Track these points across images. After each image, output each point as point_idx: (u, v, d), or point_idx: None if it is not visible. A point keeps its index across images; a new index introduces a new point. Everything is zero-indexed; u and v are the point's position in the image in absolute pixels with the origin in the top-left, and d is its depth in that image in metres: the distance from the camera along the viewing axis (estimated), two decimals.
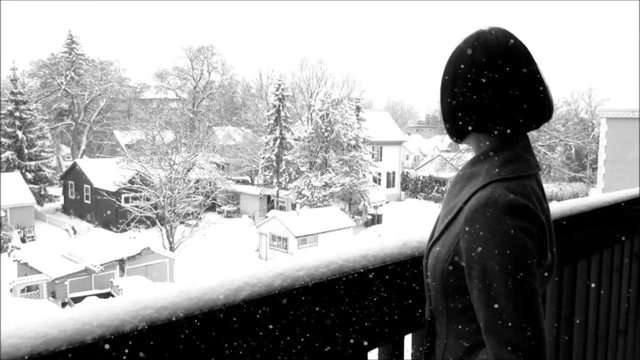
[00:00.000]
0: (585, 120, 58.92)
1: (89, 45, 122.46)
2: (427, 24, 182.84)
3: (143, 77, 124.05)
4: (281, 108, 38.04)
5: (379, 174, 42.86)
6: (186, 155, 31.69)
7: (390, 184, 45.41)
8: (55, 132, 52.60)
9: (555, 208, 1.94)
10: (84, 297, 17.60)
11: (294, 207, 34.11)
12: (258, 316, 1.06)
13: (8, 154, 39.34)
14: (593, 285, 2.24)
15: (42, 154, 41.42)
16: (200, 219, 30.90)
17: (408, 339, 1.44)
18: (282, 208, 37.10)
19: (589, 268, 2.21)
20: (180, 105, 57.82)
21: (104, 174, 34.36)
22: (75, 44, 53.84)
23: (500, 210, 1.04)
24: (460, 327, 1.18)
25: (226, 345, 1.02)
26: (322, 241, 28.86)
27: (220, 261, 26.64)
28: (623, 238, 2.45)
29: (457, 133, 1.21)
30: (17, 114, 40.38)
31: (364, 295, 1.26)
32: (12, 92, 40.63)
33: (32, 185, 37.39)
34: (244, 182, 42.75)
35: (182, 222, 29.87)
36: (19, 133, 40.06)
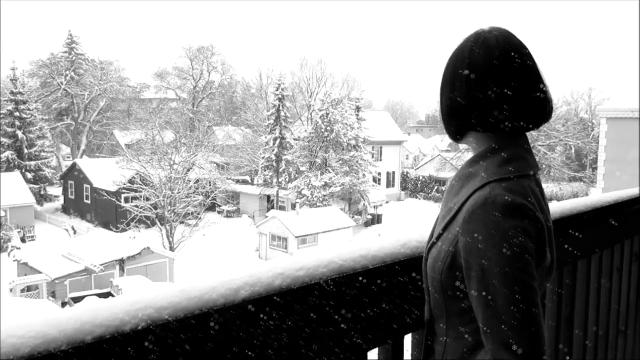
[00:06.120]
0: (585, 120, 58.93)
1: (89, 45, 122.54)
2: (427, 24, 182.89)
3: (143, 77, 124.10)
4: (281, 108, 38.03)
5: (379, 174, 42.85)
6: (186, 155, 31.68)
7: (390, 184, 45.40)
8: (55, 132, 52.58)
9: (555, 208, 1.94)
10: (84, 297, 17.58)
11: (294, 207, 34.09)
12: (258, 316, 1.06)
13: (8, 154, 39.33)
14: (593, 285, 2.24)
15: (42, 154, 41.41)
16: (200, 219, 30.88)
17: (408, 339, 1.44)
18: (282, 208, 37.08)
19: (589, 268, 2.21)
20: (180, 105, 57.79)
21: (104, 174, 34.35)
22: (75, 44, 53.82)
23: (498, 210, 1.04)
24: (459, 327, 1.18)
25: (226, 345, 1.02)
26: (322, 241, 28.85)
27: (220, 261, 26.63)
28: (623, 238, 2.45)
29: (456, 133, 1.22)
30: (17, 114, 40.37)
31: (364, 295, 1.26)
32: (12, 92, 40.63)
33: (32, 185, 37.37)
34: (244, 182, 42.71)
35: (182, 222, 29.85)
36: (19, 133, 40.05)
